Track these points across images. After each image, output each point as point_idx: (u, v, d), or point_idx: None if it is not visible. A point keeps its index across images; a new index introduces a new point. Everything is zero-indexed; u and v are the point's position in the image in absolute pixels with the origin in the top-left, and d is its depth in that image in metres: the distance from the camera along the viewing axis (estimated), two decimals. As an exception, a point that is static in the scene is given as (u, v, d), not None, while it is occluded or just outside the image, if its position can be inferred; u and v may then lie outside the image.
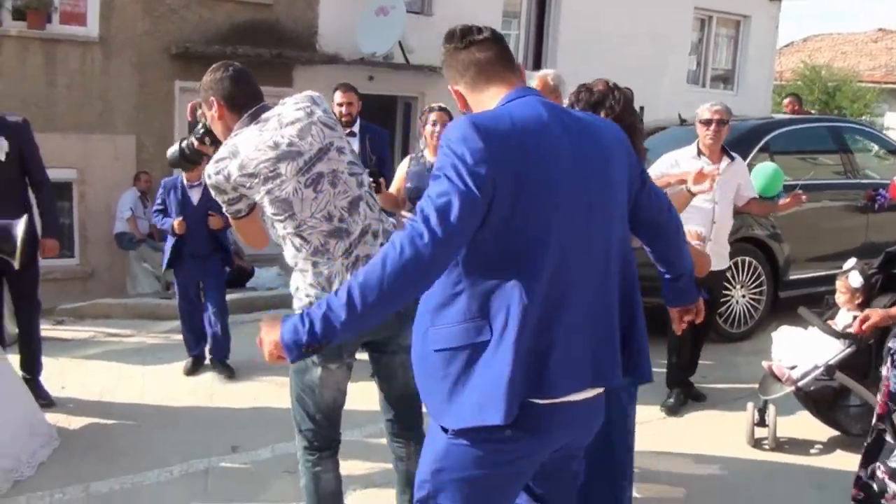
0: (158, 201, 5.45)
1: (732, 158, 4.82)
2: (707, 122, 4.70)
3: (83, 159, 9.39)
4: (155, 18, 9.69)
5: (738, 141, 5.99)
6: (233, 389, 5.22)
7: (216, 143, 2.86)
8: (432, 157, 4.98)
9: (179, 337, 5.74)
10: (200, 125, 2.96)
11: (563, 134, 1.95)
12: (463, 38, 2.10)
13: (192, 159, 3.13)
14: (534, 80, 5.03)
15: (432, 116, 4.94)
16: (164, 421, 4.67)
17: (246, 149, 2.63)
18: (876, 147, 8.02)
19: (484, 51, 2.09)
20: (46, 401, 4.77)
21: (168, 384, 5.25)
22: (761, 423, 4.39)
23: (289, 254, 2.72)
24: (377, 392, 3.02)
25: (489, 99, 2.07)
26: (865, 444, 3.37)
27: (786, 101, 10.25)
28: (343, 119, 5.44)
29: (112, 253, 9.44)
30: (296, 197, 2.63)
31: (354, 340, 2.73)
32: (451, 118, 4.99)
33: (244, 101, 2.75)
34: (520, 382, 1.87)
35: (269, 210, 2.67)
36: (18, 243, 1.09)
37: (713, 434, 4.57)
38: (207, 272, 5.44)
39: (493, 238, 1.87)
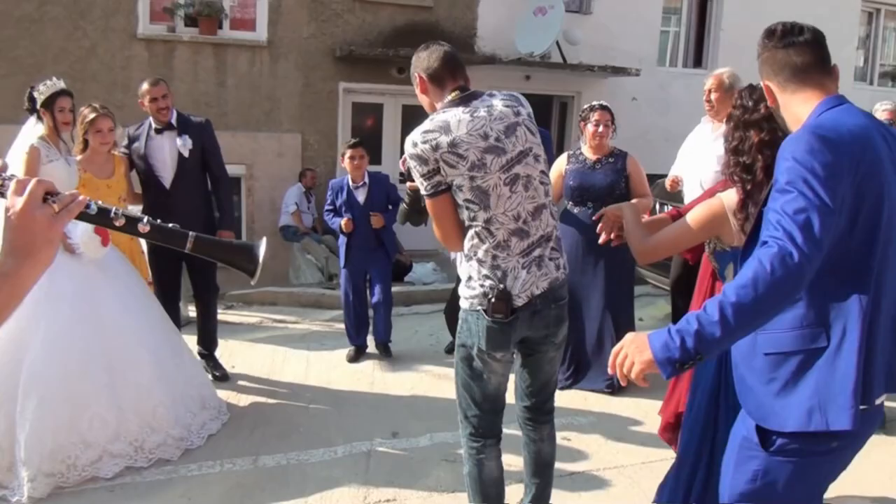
0: (328, 201, 5.72)
1: None
2: None
3: (251, 156, 9.93)
4: (320, 23, 10.10)
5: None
6: (391, 378, 5.38)
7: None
8: (592, 156, 4.93)
9: (341, 325, 5.97)
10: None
11: (883, 143, 1.97)
12: (783, 37, 2.10)
13: (417, 205, 3.13)
14: (709, 79, 4.89)
15: (594, 116, 4.88)
16: (327, 403, 4.87)
17: (459, 129, 2.68)
18: None
19: (801, 54, 2.07)
20: (222, 374, 5.15)
21: (330, 369, 5.48)
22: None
23: (470, 244, 2.77)
24: (517, 383, 3.11)
25: (800, 102, 2.08)
26: None
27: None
28: None
29: (276, 244, 9.90)
30: (494, 192, 2.70)
31: (519, 336, 2.83)
32: (612, 117, 4.92)
33: (444, 77, 2.83)
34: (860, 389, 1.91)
35: (465, 195, 2.72)
36: (260, 261, 1.18)
37: (893, 459, 4.27)
38: (374, 264, 5.66)
39: (834, 248, 1.89)
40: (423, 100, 2.92)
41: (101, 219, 1.20)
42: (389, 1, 10.30)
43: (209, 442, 4.27)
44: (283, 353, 5.79)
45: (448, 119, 2.71)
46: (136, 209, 5.12)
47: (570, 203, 5.00)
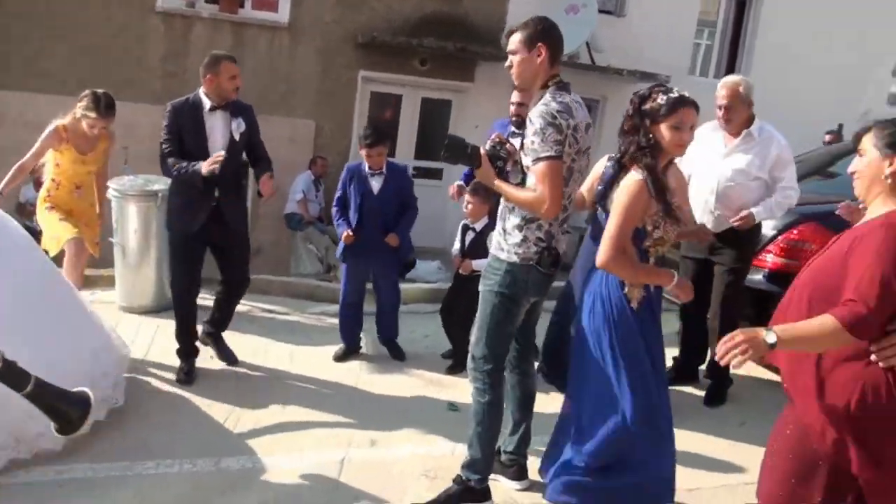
0: (339, 186, 5.19)
1: None
2: None
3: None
4: (344, 7, 9.78)
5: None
6: (379, 380, 4.96)
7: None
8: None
9: (332, 320, 5.60)
10: (500, 151, 3.32)
11: None
12: None
13: (461, 155, 3.26)
14: (722, 88, 4.59)
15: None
16: (306, 404, 4.48)
17: (577, 116, 3.10)
18: None
19: None
20: (232, 358, 4.98)
21: (314, 366, 5.05)
22: None
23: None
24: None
25: None
26: None
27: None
28: (513, 118, 5.17)
29: (279, 231, 9.56)
30: (571, 176, 3.16)
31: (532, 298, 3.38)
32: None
33: (557, 57, 3.17)
34: None
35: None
36: (84, 429, 0.88)
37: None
38: (378, 263, 5.16)
39: None
40: (530, 68, 3.14)
41: None
42: (418, -12, 9.96)
43: (168, 438, 3.88)
44: (265, 345, 5.36)
45: (570, 104, 3.08)
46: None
47: (600, 209, 4.50)
